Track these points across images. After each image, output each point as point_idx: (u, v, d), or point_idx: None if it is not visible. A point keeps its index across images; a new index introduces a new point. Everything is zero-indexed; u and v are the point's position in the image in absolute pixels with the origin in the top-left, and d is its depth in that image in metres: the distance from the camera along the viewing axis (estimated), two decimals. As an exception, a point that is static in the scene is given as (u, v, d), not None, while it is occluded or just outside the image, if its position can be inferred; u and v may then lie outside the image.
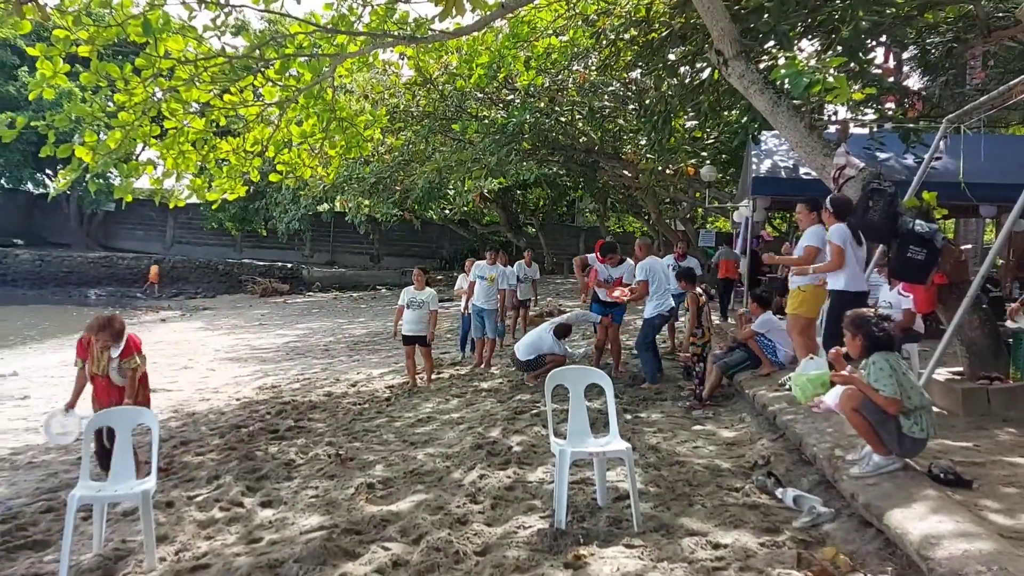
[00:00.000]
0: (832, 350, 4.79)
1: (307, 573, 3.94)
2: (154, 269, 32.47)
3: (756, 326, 8.28)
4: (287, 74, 8.99)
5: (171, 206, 9.63)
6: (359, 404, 9.25)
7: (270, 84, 9.27)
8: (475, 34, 12.20)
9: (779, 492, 4.79)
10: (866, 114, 12.41)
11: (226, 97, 8.99)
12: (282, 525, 4.96)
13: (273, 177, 10.88)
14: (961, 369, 6.81)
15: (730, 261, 14.77)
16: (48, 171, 36.57)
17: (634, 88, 17.45)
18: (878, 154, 10.89)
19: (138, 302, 30.33)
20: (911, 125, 9.91)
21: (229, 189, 9.90)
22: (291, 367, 13.36)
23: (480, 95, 18.07)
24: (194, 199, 10.39)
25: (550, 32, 14.01)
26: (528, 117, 15.73)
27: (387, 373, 11.57)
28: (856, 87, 8.80)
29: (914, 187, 7.38)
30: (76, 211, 36.67)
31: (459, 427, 7.48)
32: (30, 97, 8.06)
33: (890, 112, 11.55)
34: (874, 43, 10.44)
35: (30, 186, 38.77)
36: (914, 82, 15.09)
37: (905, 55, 13.62)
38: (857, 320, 4.57)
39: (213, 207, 13.16)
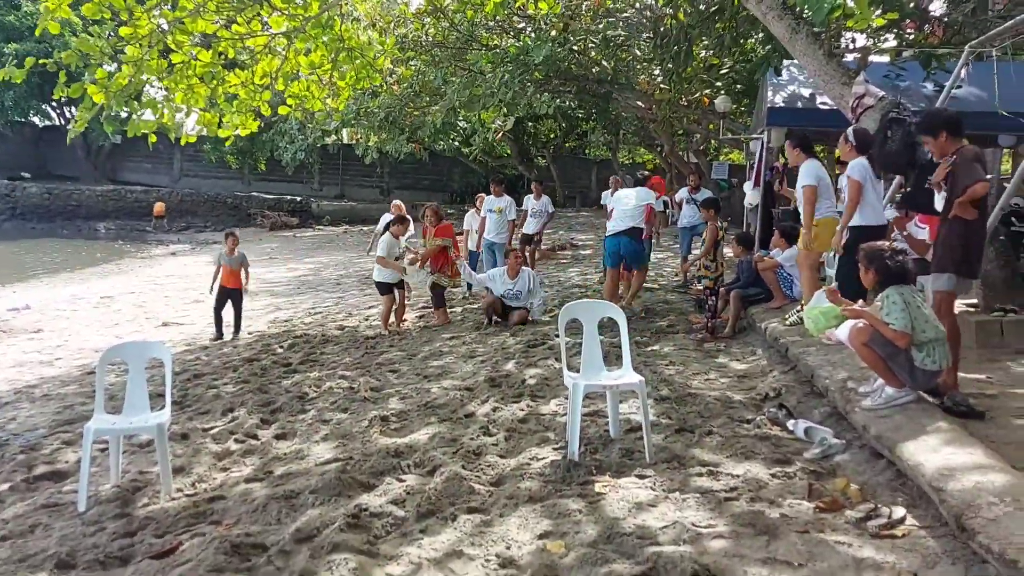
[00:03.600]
0: (828, 287, 4.78)
1: (323, 503, 3.99)
2: (159, 205, 32.47)
3: (782, 259, 8.20)
4: (294, 2, 8.80)
5: (182, 142, 9.53)
6: (372, 338, 9.30)
7: (277, 14, 9.09)
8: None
9: (790, 424, 4.81)
10: (886, 40, 12.04)
11: (233, 27, 8.83)
12: (297, 457, 5.03)
13: (283, 110, 10.74)
14: (975, 301, 6.76)
15: None
16: (53, 103, 36.17)
17: (648, 15, 17.01)
18: (898, 83, 10.61)
19: (148, 236, 30.38)
20: (931, 50, 9.62)
21: (241, 124, 9.79)
22: (303, 301, 13.41)
23: (491, 23, 17.64)
24: (203, 132, 10.29)
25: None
26: (546, 52, 15.34)
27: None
28: (877, 12, 8.55)
29: (934, 117, 7.17)
30: (83, 144, 36.29)
31: (473, 360, 7.51)
32: (36, 32, 7.95)
33: (910, 37, 11.21)
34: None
35: (36, 119, 38.48)
36: (936, 7, 14.61)
37: (928, -21, 13.14)
38: (871, 253, 4.52)
39: (227, 143, 12.96)
